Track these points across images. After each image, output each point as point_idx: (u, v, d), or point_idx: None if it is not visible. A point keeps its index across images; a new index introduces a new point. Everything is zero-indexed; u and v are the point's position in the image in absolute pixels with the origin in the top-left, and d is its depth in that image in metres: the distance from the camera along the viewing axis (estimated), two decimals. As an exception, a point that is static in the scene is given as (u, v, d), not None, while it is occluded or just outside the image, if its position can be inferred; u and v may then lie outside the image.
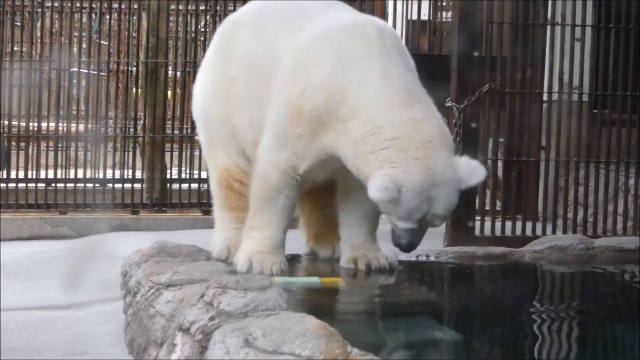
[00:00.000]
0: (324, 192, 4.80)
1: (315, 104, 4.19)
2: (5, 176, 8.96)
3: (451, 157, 4.09)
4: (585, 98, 7.39)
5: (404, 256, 4.95)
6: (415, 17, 9.46)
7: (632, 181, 7.34)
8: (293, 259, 4.77)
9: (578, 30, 7.27)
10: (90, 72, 9.67)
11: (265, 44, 4.54)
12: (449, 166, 4.05)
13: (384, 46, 4.23)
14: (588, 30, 7.32)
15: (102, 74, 9.28)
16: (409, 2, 9.61)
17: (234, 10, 9.08)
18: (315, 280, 4.24)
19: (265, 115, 4.42)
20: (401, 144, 4.01)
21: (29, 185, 8.76)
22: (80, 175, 8.93)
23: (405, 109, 4.09)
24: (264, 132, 4.40)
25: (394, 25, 9.28)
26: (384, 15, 10.08)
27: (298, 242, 4.94)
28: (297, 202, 4.58)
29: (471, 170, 4.10)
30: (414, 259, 5.00)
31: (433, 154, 4.02)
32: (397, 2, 9.39)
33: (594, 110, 7.40)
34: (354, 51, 4.23)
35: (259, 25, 4.63)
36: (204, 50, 9.00)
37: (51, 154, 9.31)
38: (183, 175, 9.23)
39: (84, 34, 9.83)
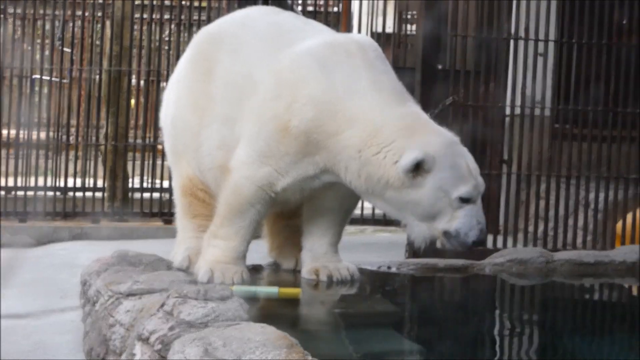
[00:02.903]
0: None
1: (302, 118, 4.19)
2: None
3: None
4: (547, 112, 7.47)
5: (365, 267, 4.97)
6: (380, 29, 9.50)
7: (592, 195, 7.41)
8: (255, 270, 4.75)
9: (541, 45, 7.34)
10: (53, 79, 9.59)
11: (243, 63, 4.52)
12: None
13: (367, 58, 4.30)
14: (551, 45, 7.39)
15: (65, 81, 9.20)
16: (374, 15, 9.65)
17: (199, 19, 9.10)
18: (273, 290, 4.24)
19: (237, 135, 4.41)
20: (409, 129, 4.11)
21: (-11, 192, 8.68)
22: (40, 183, 8.85)
23: (400, 106, 4.20)
24: (241, 147, 4.37)
25: (359, 38, 9.31)
26: (349, 28, 10.12)
27: (260, 252, 4.93)
28: (265, 217, 4.58)
29: None
30: (374, 269, 5.01)
31: (439, 127, 4.20)
32: (362, 14, 9.43)
33: (556, 125, 7.47)
34: (339, 66, 4.27)
35: (238, 44, 4.60)
36: (168, 59, 8.97)
37: (11, 162, 9.22)
38: (145, 185, 9.18)
39: (47, 41, 9.74)
